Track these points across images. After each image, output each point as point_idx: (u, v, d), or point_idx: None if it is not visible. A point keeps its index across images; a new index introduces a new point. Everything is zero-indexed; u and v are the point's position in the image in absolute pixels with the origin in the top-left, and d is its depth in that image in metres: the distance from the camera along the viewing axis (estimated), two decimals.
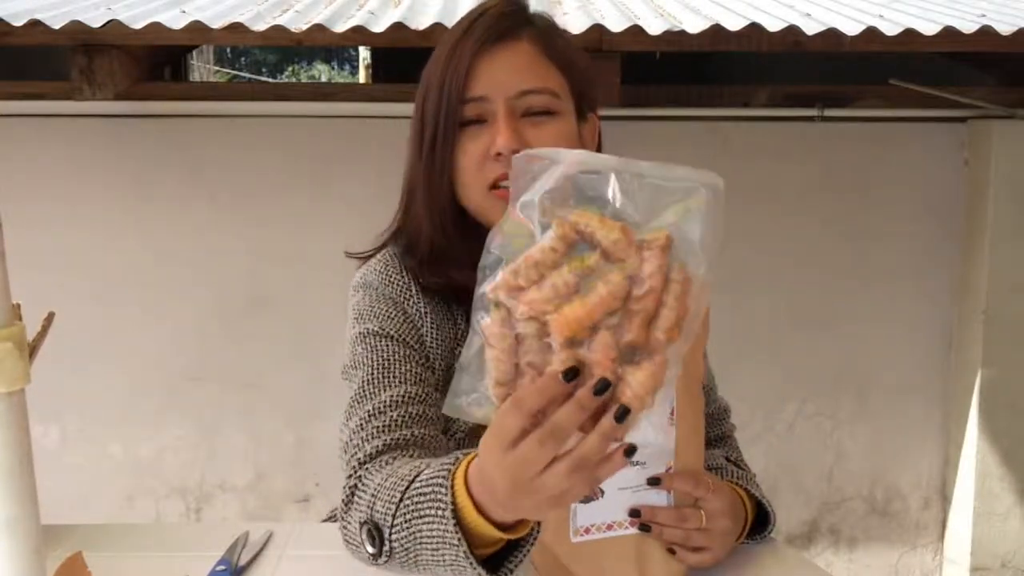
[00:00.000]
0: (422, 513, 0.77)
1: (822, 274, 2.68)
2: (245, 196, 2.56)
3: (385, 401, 0.94)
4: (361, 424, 0.94)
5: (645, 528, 0.92)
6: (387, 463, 0.89)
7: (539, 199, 0.59)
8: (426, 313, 1.01)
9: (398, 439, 0.91)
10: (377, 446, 0.90)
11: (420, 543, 0.78)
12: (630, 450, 0.62)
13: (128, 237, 2.56)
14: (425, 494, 0.77)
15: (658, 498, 0.92)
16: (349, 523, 0.88)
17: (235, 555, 1.00)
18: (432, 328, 1.00)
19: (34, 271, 2.32)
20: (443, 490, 0.75)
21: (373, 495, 0.84)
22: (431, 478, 0.77)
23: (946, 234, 2.66)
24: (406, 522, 0.79)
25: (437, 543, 0.76)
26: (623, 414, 0.59)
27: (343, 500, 0.90)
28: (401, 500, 0.80)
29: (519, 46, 0.97)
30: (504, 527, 0.74)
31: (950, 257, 2.67)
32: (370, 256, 1.08)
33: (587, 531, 0.91)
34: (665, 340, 0.59)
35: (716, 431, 1.17)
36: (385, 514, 0.81)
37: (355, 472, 0.90)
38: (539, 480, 0.62)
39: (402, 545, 0.80)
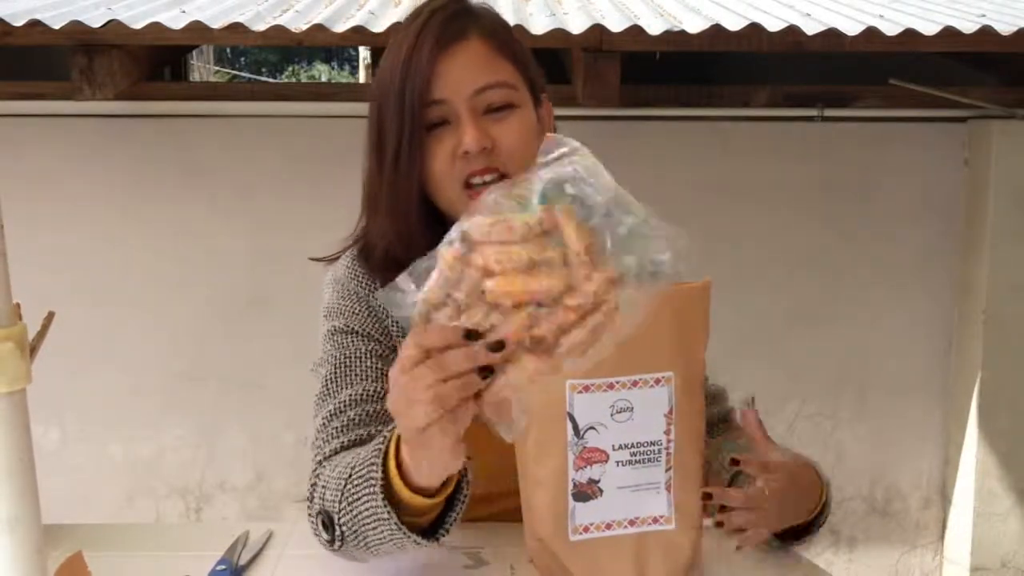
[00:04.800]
0: (359, 495, 0.83)
1: (822, 274, 2.68)
2: (245, 196, 2.56)
3: (344, 400, 0.97)
4: (323, 423, 0.98)
5: (719, 524, 0.93)
6: (344, 457, 0.93)
7: (548, 178, 0.66)
8: None
9: (354, 439, 0.95)
10: (335, 447, 0.94)
11: (363, 524, 0.84)
12: (497, 346, 0.68)
13: (128, 237, 2.56)
14: (362, 475, 0.83)
15: (658, 500, 0.92)
16: (311, 515, 0.93)
17: (235, 555, 1.00)
18: (395, 322, 1.02)
19: (34, 271, 2.33)
20: (374, 468, 0.81)
21: (324, 486, 0.89)
22: (365, 461, 0.83)
23: (946, 234, 2.66)
24: (348, 506, 0.84)
25: (375, 521, 0.82)
26: (496, 348, 0.67)
27: (307, 496, 0.94)
28: (344, 487, 0.85)
29: (470, 45, 0.97)
30: (429, 493, 0.81)
31: (950, 257, 2.67)
32: (336, 257, 1.10)
33: (586, 530, 0.91)
34: (565, 353, 0.66)
35: (716, 409, 1.20)
36: (332, 502, 0.87)
37: (315, 470, 0.94)
38: (423, 393, 0.69)
39: (350, 528, 0.85)
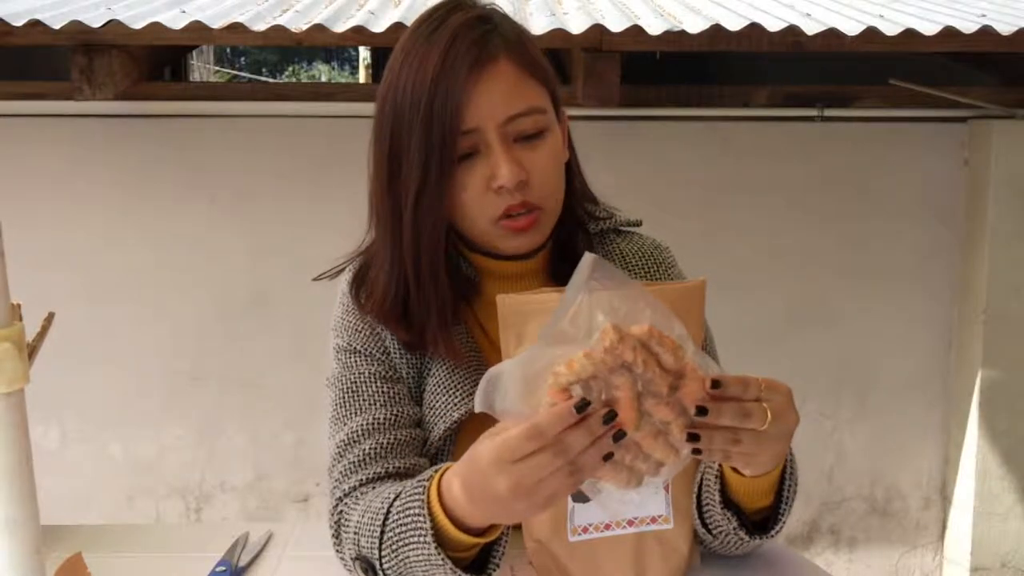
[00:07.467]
0: (406, 541, 0.83)
1: (822, 273, 2.68)
2: (245, 196, 2.56)
3: (356, 429, 0.97)
4: (338, 452, 0.97)
5: (694, 438, 0.74)
6: (364, 494, 0.93)
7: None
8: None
9: (372, 476, 0.94)
10: (353, 484, 0.95)
11: (410, 567, 0.84)
12: (618, 434, 0.71)
13: (128, 237, 2.56)
14: (405, 524, 0.83)
15: (656, 500, 0.92)
16: (343, 555, 0.93)
17: (235, 556, 1.00)
18: (393, 339, 1.00)
19: (34, 271, 2.33)
20: (421, 518, 0.81)
21: (356, 532, 0.89)
22: (407, 508, 0.83)
23: (946, 234, 2.66)
24: (393, 552, 0.85)
25: (425, 564, 0.82)
26: (620, 436, 0.70)
27: (332, 533, 0.94)
28: (383, 533, 0.85)
29: (499, 68, 0.92)
30: (477, 532, 0.81)
31: (950, 257, 2.67)
32: (339, 271, 1.07)
33: (585, 530, 0.91)
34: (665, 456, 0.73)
35: None
36: (371, 548, 0.87)
37: (336, 507, 0.94)
38: (542, 483, 0.71)
39: (396, 571, 0.86)
